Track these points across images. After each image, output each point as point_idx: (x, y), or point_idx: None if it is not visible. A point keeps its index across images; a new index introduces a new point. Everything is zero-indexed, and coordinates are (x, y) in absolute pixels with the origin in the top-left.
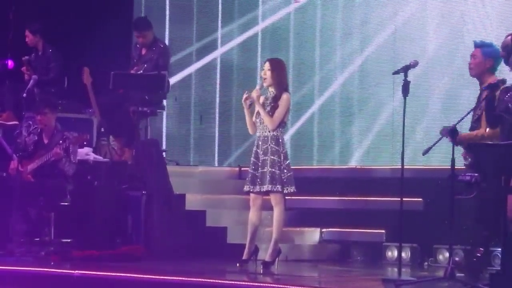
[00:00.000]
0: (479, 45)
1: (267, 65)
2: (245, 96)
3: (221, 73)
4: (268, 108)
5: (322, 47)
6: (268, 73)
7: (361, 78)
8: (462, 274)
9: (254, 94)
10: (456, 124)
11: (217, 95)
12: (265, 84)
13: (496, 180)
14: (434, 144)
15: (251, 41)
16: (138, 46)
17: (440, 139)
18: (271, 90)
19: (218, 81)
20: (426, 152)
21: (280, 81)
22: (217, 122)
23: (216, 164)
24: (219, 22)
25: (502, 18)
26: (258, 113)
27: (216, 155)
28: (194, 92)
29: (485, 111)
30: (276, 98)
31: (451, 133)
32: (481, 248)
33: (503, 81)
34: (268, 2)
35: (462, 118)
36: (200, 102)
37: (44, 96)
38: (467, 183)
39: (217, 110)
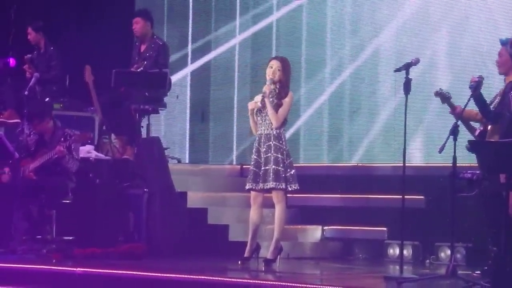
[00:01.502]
0: (504, 43)
1: (276, 64)
2: (253, 105)
3: (223, 72)
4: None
5: (324, 46)
6: (278, 73)
7: (363, 76)
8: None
9: (266, 89)
10: (457, 121)
11: (219, 94)
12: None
13: (497, 177)
14: (446, 140)
15: (260, 38)
16: (137, 44)
17: (450, 135)
18: (274, 87)
19: (219, 80)
20: (441, 149)
21: (286, 80)
22: (219, 121)
23: (218, 162)
24: (212, 22)
25: (505, 14)
26: (260, 111)
27: (218, 153)
28: (196, 90)
29: (480, 109)
30: (280, 96)
31: (453, 132)
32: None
33: (483, 77)
34: None
35: (466, 105)
36: (202, 100)
37: (31, 106)
38: (469, 180)
39: (219, 109)
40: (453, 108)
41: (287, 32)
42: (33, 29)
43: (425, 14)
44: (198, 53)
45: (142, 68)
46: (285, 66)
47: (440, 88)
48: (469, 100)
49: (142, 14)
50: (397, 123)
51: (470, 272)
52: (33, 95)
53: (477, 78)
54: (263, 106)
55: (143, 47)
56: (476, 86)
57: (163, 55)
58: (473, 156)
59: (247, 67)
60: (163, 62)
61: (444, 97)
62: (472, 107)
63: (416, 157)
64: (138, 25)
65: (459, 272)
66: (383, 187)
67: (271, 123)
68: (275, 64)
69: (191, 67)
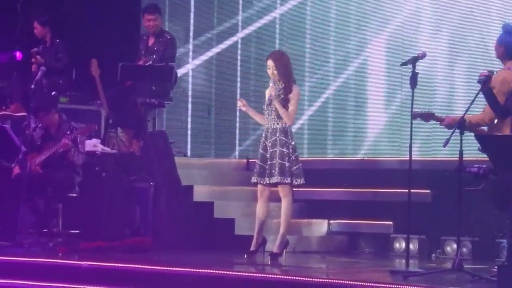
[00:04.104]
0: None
1: (272, 64)
2: (239, 104)
3: (230, 65)
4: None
5: (330, 39)
6: (275, 72)
7: (369, 70)
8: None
9: (272, 92)
10: (464, 115)
11: (225, 87)
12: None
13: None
14: (451, 135)
15: (265, 31)
16: (144, 38)
17: (455, 129)
18: (279, 83)
19: (226, 74)
20: (446, 143)
21: (287, 74)
22: (225, 114)
23: (224, 155)
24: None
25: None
26: (267, 105)
27: (224, 146)
28: (203, 84)
29: (489, 104)
30: (286, 91)
31: (459, 125)
32: None
33: (493, 72)
34: None
35: (468, 108)
36: (208, 94)
37: (37, 99)
38: (475, 174)
39: (225, 102)
40: (441, 121)
41: (291, 26)
42: (39, 23)
43: (432, 8)
44: (202, 47)
45: (150, 62)
46: (280, 61)
47: (415, 111)
48: (477, 94)
49: (158, 10)
50: (403, 117)
51: (487, 267)
52: (40, 89)
53: (487, 72)
54: (268, 104)
55: (151, 41)
56: (484, 81)
57: (170, 49)
58: None
59: (250, 61)
60: (170, 55)
61: (424, 116)
62: (472, 108)
63: (422, 151)
64: (156, 22)
65: (465, 266)
66: (389, 181)
67: (276, 117)
68: (270, 64)
69: (196, 61)
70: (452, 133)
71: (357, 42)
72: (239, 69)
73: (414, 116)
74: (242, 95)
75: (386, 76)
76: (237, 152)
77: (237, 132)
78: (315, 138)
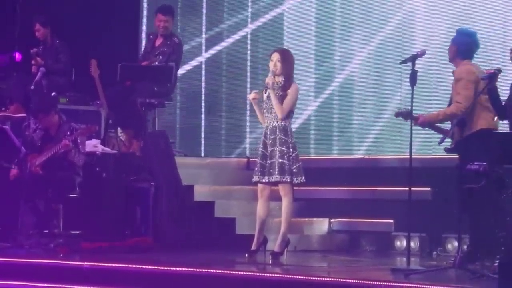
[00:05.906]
0: None
1: (276, 57)
2: (253, 95)
3: (228, 65)
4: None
5: (330, 36)
6: (278, 65)
7: (369, 67)
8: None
9: (269, 80)
10: (424, 127)
11: (230, 87)
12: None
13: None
14: (448, 133)
15: (256, 32)
16: (151, 37)
17: (452, 129)
18: (279, 80)
19: (229, 73)
20: (441, 141)
21: (288, 72)
22: (225, 113)
23: (225, 155)
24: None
25: (509, 4)
26: (265, 102)
27: (225, 146)
28: (203, 84)
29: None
30: (284, 88)
31: (459, 123)
32: None
33: (500, 70)
34: None
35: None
36: (208, 93)
37: (36, 100)
38: (476, 172)
39: (225, 102)
40: (415, 120)
41: (296, 24)
42: (41, 24)
43: (432, 5)
44: (207, 45)
45: (157, 63)
46: (286, 57)
47: (398, 109)
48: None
49: (172, 13)
50: None
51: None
52: (39, 90)
53: (492, 70)
54: (268, 97)
55: (158, 41)
56: (488, 78)
57: (177, 53)
58: None
59: (254, 59)
60: (175, 59)
61: (405, 115)
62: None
63: (423, 149)
64: (167, 24)
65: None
66: (390, 179)
67: (277, 115)
68: (275, 56)
69: (199, 59)
70: (450, 131)
71: (358, 40)
72: (242, 69)
73: (396, 115)
74: (245, 95)
75: (386, 75)
76: (238, 152)
77: (238, 131)
78: (316, 137)
